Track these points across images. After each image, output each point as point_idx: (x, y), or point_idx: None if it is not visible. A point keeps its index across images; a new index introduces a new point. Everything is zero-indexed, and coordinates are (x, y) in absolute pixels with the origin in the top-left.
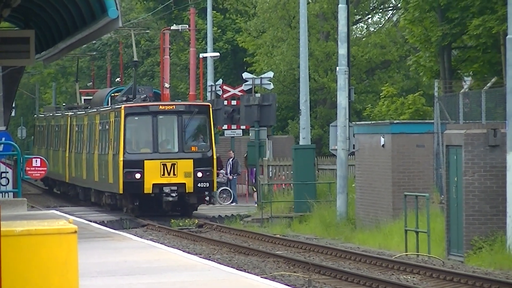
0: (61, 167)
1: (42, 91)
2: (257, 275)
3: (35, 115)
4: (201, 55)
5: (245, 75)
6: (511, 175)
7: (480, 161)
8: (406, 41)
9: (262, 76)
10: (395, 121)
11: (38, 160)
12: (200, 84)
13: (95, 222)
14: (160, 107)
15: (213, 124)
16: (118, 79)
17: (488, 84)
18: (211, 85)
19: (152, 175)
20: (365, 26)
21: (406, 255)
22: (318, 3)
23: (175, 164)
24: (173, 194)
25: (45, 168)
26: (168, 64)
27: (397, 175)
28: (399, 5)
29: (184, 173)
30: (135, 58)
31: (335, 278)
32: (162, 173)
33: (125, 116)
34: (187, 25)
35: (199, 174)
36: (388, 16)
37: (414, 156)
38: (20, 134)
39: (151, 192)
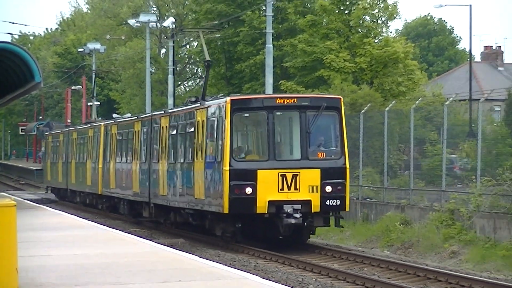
0: (89, 180)
1: None
2: (121, 230)
3: (46, 133)
4: (89, 103)
5: (114, 115)
6: None
7: None
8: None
9: (124, 116)
10: None
11: None
12: None
13: (27, 199)
14: (278, 100)
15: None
16: (40, 117)
17: None
18: None
19: (268, 189)
20: (184, 88)
21: None
22: (157, 74)
23: (297, 175)
24: (297, 215)
25: None
26: (70, 108)
27: None
28: (203, 75)
29: (308, 187)
30: (207, 58)
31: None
32: (280, 187)
33: (232, 111)
34: (81, 86)
35: (328, 189)
36: (197, 82)
37: None
38: None
39: (265, 212)
